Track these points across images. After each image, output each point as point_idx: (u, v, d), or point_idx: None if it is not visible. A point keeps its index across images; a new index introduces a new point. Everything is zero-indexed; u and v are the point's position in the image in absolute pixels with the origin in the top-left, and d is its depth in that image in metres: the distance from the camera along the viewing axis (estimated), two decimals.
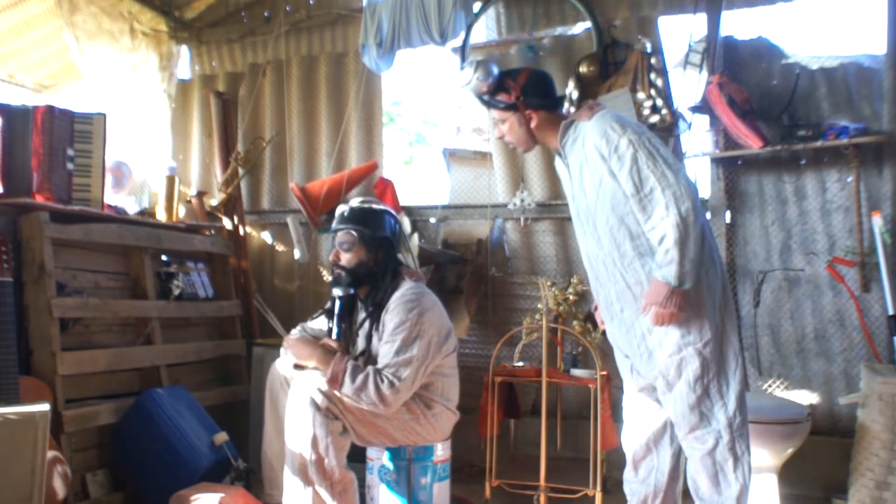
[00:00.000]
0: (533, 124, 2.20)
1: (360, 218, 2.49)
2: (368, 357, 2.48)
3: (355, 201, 2.58)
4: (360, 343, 2.52)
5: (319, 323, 2.67)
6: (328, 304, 2.60)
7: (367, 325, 2.49)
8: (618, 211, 2.06)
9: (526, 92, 2.17)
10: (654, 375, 2.13)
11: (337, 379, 2.26)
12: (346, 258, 2.50)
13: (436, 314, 2.43)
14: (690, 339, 2.03)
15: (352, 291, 2.52)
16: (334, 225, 2.55)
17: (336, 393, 2.28)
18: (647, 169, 1.98)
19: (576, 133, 2.15)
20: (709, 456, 2.06)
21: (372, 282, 2.51)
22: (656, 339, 2.08)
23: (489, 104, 2.25)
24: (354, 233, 2.48)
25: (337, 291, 2.54)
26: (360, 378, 2.26)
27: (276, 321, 2.68)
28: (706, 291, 2.04)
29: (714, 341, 2.04)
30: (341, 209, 2.57)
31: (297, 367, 2.49)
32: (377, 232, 2.49)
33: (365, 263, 2.49)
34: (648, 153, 1.99)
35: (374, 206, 2.57)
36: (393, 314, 2.37)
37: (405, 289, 2.43)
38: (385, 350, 2.34)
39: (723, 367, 2.06)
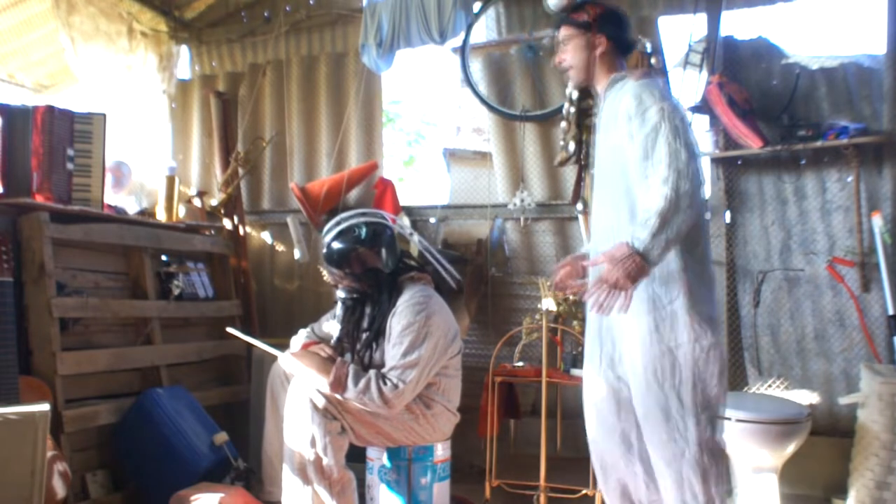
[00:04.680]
0: (599, 51, 2.13)
1: (336, 261, 2.48)
2: (369, 367, 2.50)
3: (329, 234, 2.51)
4: (363, 353, 2.52)
5: (330, 326, 2.68)
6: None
7: (367, 346, 2.50)
8: (626, 178, 2.00)
9: (602, 18, 2.13)
10: (627, 364, 2.05)
11: (340, 382, 2.26)
12: (340, 286, 2.54)
13: (443, 316, 2.44)
14: (663, 336, 1.95)
15: (355, 296, 2.53)
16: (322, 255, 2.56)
17: (339, 396, 2.28)
18: (664, 140, 1.88)
19: (621, 89, 2.07)
20: (675, 464, 1.97)
21: (370, 299, 2.52)
22: (628, 323, 2.00)
23: (564, 21, 2.19)
24: (336, 272, 2.50)
25: (340, 294, 2.55)
26: (362, 382, 2.26)
27: (263, 345, 2.64)
28: (695, 293, 1.95)
29: (691, 345, 1.94)
30: (322, 238, 2.54)
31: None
32: (356, 268, 2.48)
33: (357, 289, 2.52)
34: (674, 128, 1.89)
35: (351, 232, 2.48)
36: (400, 316, 2.37)
37: (413, 291, 2.44)
38: (392, 353, 2.35)
39: (700, 377, 1.96)
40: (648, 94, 1.96)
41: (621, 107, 2.01)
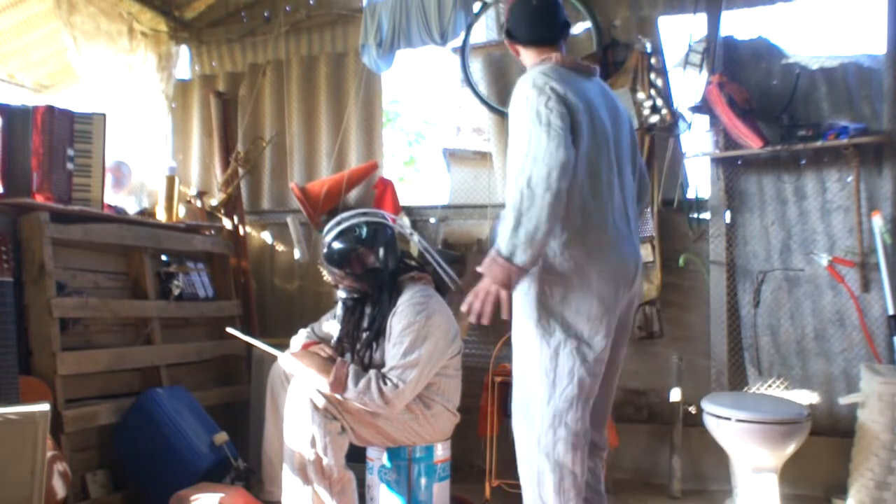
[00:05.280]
0: (521, 55, 2.11)
1: (337, 261, 2.48)
2: (369, 367, 2.50)
3: (329, 234, 2.51)
4: (363, 353, 2.52)
5: (330, 326, 2.67)
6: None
7: (367, 345, 2.50)
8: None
9: (508, 23, 2.10)
10: None
11: (340, 382, 2.26)
12: (341, 286, 2.54)
13: (443, 317, 2.44)
14: (517, 332, 1.95)
15: (356, 296, 2.53)
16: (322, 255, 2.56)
17: (339, 397, 2.28)
18: (525, 130, 1.81)
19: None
20: (519, 465, 2.00)
21: (371, 299, 2.51)
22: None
23: None
24: (336, 272, 2.50)
25: (341, 294, 2.54)
26: (362, 382, 2.26)
27: (263, 345, 2.62)
28: (549, 290, 1.89)
29: (528, 345, 1.92)
30: (323, 238, 2.54)
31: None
32: (357, 268, 2.47)
33: (358, 289, 2.52)
34: (536, 114, 1.81)
35: (352, 232, 2.48)
36: (401, 316, 2.37)
37: (413, 291, 2.43)
38: (392, 353, 2.34)
39: (541, 380, 1.91)
40: (519, 87, 1.92)
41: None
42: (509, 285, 1.80)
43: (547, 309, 1.91)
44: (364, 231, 2.48)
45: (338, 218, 2.54)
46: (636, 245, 2.05)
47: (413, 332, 2.33)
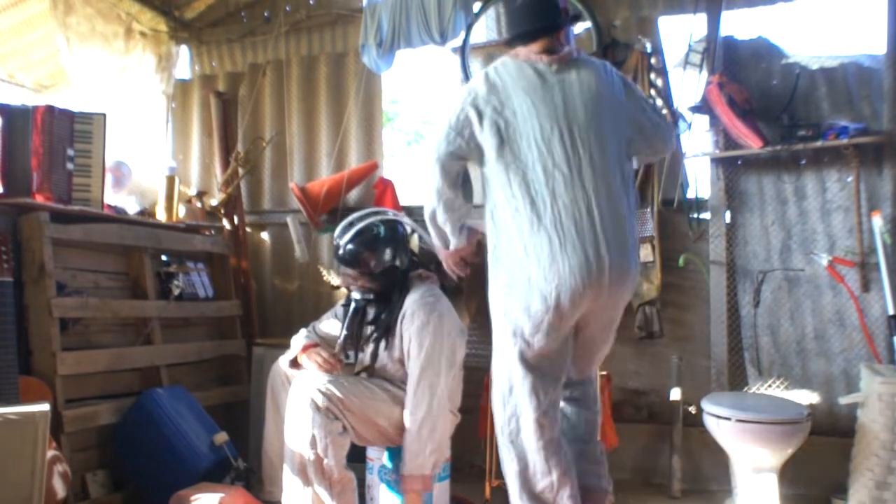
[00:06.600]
0: None
1: (355, 261, 2.46)
2: (372, 370, 2.50)
3: (346, 235, 2.48)
4: (366, 358, 2.52)
5: (330, 326, 2.66)
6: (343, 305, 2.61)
7: (374, 342, 2.49)
8: None
9: (504, 28, 2.21)
10: None
11: (427, 479, 2.33)
12: (353, 287, 2.52)
13: (452, 316, 2.45)
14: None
15: (370, 296, 2.52)
16: (336, 256, 2.54)
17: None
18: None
19: None
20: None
21: (383, 297, 2.51)
22: None
23: None
24: (351, 273, 2.49)
25: (355, 295, 2.53)
26: (426, 441, 2.31)
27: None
28: (494, 284, 2.12)
29: (500, 344, 2.12)
30: (337, 240, 2.51)
31: (293, 365, 2.51)
32: (375, 268, 2.47)
33: (372, 289, 2.50)
34: (454, 113, 2.07)
35: (370, 232, 2.47)
36: (414, 317, 2.37)
37: (422, 291, 2.43)
38: (413, 358, 2.36)
39: (493, 366, 2.12)
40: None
41: None
42: (445, 256, 2.30)
43: (497, 300, 2.07)
44: (382, 230, 2.48)
45: (350, 219, 2.53)
46: (609, 241, 1.95)
47: (430, 331, 2.33)
